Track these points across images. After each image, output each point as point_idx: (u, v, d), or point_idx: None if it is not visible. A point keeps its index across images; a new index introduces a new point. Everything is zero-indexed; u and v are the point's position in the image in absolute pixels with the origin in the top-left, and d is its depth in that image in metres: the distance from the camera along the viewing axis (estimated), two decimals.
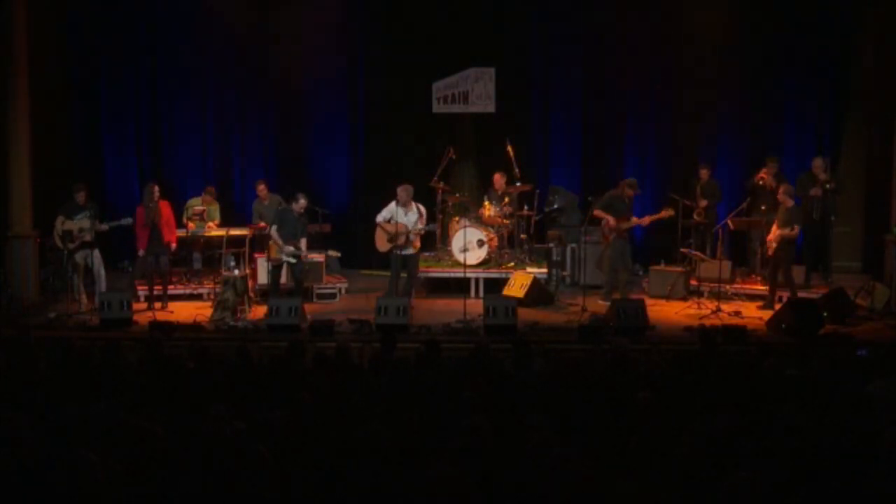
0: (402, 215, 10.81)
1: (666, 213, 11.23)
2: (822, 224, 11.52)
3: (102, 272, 10.95)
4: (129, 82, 13.51)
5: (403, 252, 10.89)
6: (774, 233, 10.64)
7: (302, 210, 10.82)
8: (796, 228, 10.53)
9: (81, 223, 10.67)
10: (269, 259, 10.99)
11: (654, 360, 8.72)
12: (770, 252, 10.75)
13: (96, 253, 10.90)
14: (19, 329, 9.98)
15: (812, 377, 6.39)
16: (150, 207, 10.82)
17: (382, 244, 10.99)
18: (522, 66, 13.56)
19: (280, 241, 10.69)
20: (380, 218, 11.00)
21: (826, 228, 11.59)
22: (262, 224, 11.69)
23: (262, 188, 12.28)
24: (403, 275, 11.03)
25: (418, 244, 11.07)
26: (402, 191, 10.86)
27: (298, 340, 7.76)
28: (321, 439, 4.88)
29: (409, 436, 4.84)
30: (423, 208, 11.07)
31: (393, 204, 10.87)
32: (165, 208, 10.99)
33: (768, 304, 10.78)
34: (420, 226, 10.88)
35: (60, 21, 13.10)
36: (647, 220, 11.24)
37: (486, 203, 12.31)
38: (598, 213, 11.06)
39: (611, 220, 10.96)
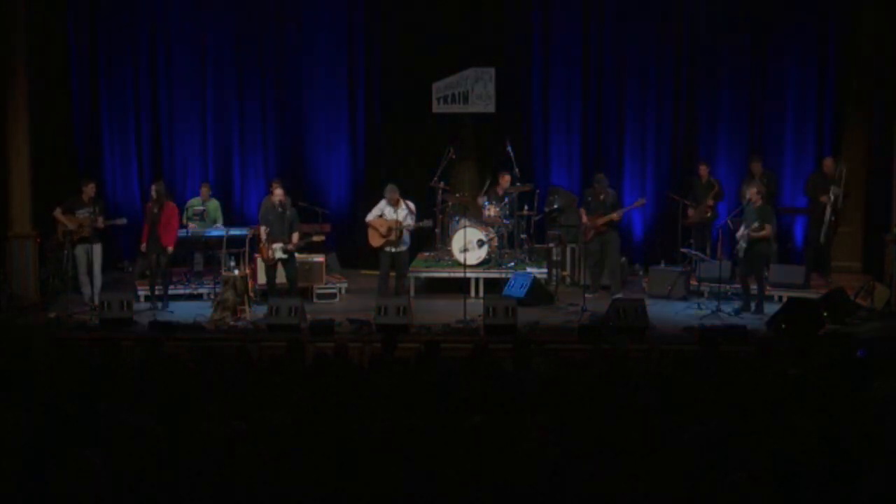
0: (391, 213, 10.98)
1: (638, 203, 12.01)
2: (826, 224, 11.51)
3: (98, 271, 10.97)
4: (129, 82, 13.48)
5: (395, 249, 10.96)
6: (741, 232, 10.49)
7: (279, 200, 10.78)
8: (767, 228, 10.37)
9: (80, 219, 10.72)
10: (263, 259, 11.02)
11: (654, 360, 8.73)
12: (740, 252, 10.56)
13: (97, 249, 10.93)
14: (19, 329, 10.01)
15: (812, 377, 6.39)
16: (151, 207, 10.86)
17: (375, 240, 11.06)
18: (522, 66, 13.55)
19: (265, 240, 10.74)
20: (370, 216, 11.12)
21: (827, 229, 11.58)
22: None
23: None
24: (393, 274, 11.07)
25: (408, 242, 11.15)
26: (390, 191, 11.04)
27: (298, 340, 7.77)
28: (321, 440, 4.88)
29: (409, 436, 4.84)
30: (412, 205, 11.13)
31: (383, 202, 11.07)
32: (168, 210, 10.98)
33: (744, 307, 10.66)
34: (410, 221, 10.96)
35: (60, 21, 13.09)
36: (615, 216, 11.55)
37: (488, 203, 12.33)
38: (581, 211, 11.83)
39: (583, 217, 11.62)
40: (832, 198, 11.34)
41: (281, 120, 13.76)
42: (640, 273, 12.88)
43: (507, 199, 12.31)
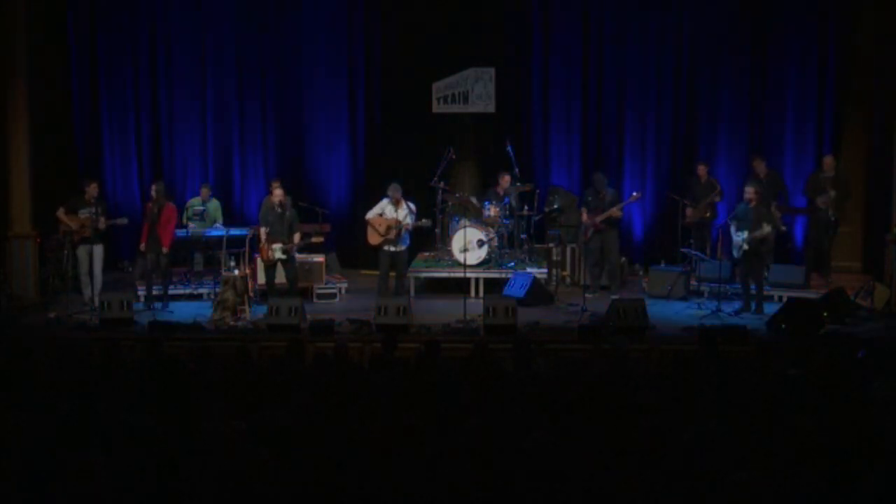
0: (392, 212, 11.00)
1: (633, 197, 11.99)
2: (826, 225, 11.51)
3: (99, 272, 10.97)
4: (129, 82, 13.48)
5: (394, 248, 10.96)
6: (736, 234, 10.42)
7: (279, 200, 10.78)
8: (767, 228, 10.33)
9: (82, 219, 10.74)
10: (262, 259, 11.01)
11: (654, 360, 8.74)
12: (736, 253, 10.49)
13: (98, 250, 10.93)
14: (19, 329, 10.02)
15: (812, 377, 6.39)
16: (150, 207, 10.88)
17: (374, 238, 11.07)
18: (522, 66, 13.55)
19: (265, 240, 10.73)
20: (370, 214, 11.13)
21: (827, 228, 11.59)
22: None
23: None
24: (392, 273, 11.08)
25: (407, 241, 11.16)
26: (393, 189, 11.05)
27: (298, 340, 7.77)
28: (321, 439, 4.88)
29: (409, 436, 4.84)
30: (413, 206, 11.14)
31: (384, 201, 11.08)
32: (168, 210, 10.98)
33: (744, 307, 10.61)
34: (410, 221, 10.98)
35: (60, 21, 13.09)
36: (615, 211, 11.52)
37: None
38: (581, 211, 11.81)
39: (584, 215, 11.65)
40: (825, 203, 11.35)
41: (281, 120, 13.76)
42: (640, 273, 12.88)
43: (507, 200, 12.31)
